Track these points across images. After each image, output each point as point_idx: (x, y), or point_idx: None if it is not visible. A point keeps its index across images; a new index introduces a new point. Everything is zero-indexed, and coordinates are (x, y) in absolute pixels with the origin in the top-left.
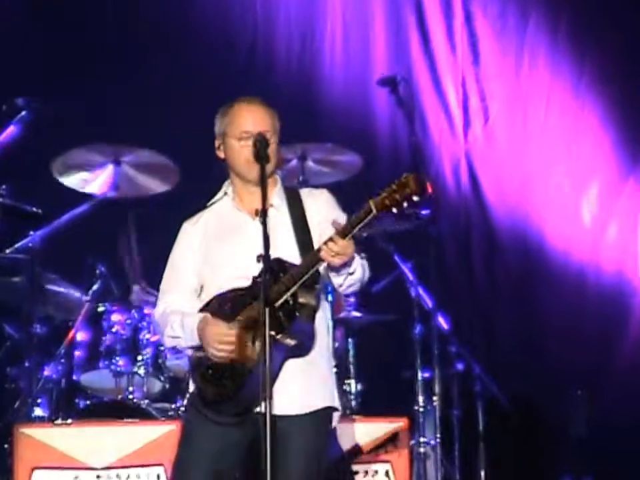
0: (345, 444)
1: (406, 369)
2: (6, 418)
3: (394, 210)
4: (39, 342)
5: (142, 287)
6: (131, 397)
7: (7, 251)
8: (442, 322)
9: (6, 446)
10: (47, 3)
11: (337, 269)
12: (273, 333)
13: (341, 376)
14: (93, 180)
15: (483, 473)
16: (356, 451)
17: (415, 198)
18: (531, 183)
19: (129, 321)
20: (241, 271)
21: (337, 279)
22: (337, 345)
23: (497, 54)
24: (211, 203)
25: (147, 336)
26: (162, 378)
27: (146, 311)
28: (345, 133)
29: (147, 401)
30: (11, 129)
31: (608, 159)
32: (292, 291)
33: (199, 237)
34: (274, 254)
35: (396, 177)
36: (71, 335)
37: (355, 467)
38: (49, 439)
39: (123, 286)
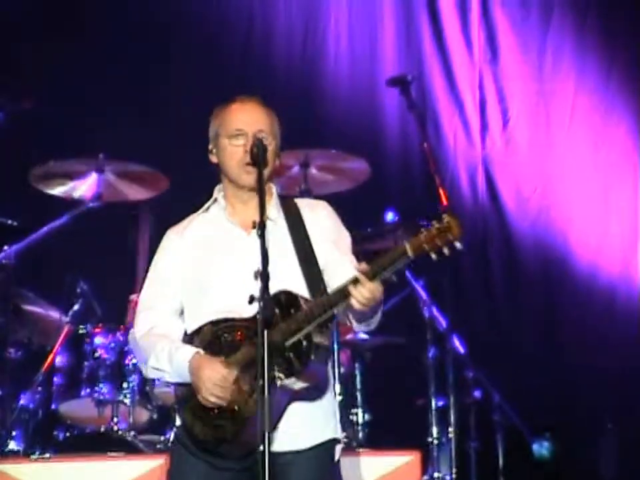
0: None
1: (418, 396)
2: None
3: (432, 255)
4: (14, 368)
5: None
6: (115, 428)
7: None
8: (458, 345)
9: None
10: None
11: (361, 313)
12: (281, 375)
13: (347, 404)
14: (75, 189)
15: None
16: None
17: (458, 244)
18: (553, 191)
19: (112, 345)
20: (232, 292)
21: (356, 323)
22: (342, 369)
23: (517, 51)
24: (200, 211)
25: (133, 361)
26: (149, 407)
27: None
28: (350, 137)
29: (132, 433)
30: None
31: (637, 166)
32: (306, 331)
33: (186, 250)
34: (273, 275)
35: (407, 187)
36: (49, 360)
37: None
38: (24, 476)
39: (107, 305)
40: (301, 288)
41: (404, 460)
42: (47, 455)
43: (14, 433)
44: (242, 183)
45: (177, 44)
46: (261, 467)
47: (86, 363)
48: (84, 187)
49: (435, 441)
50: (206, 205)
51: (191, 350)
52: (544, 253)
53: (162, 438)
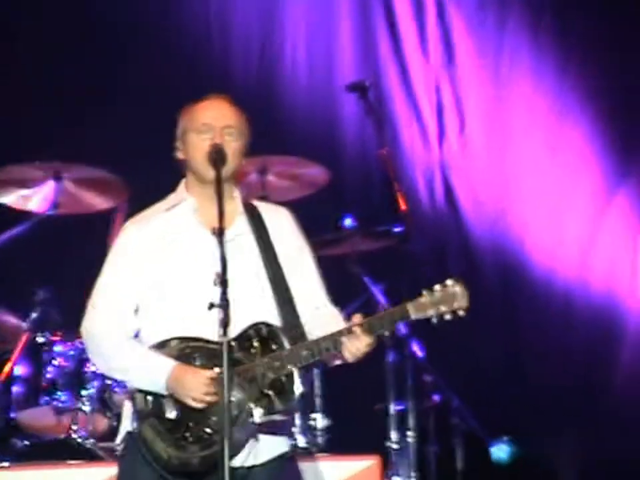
0: None
1: (377, 401)
2: None
3: (434, 320)
4: None
5: None
6: (74, 435)
7: None
8: (416, 349)
9: None
10: None
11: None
12: (259, 411)
13: (306, 410)
14: (31, 197)
15: None
16: None
17: (462, 313)
18: (511, 196)
19: (72, 352)
20: (192, 297)
21: (330, 361)
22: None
23: (473, 55)
24: (163, 205)
25: (92, 368)
26: (108, 414)
27: None
28: (309, 144)
29: (92, 440)
30: None
31: (595, 170)
32: (290, 371)
33: (146, 247)
34: (238, 281)
35: (365, 193)
36: (7, 368)
37: None
38: None
39: (66, 313)
40: (268, 298)
41: (364, 465)
42: (6, 464)
43: None
44: (208, 178)
45: (135, 49)
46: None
47: (45, 371)
48: (40, 195)
49: (395, 445)
50: (172, 202)
51: (167, 361)
52: (502, 257)
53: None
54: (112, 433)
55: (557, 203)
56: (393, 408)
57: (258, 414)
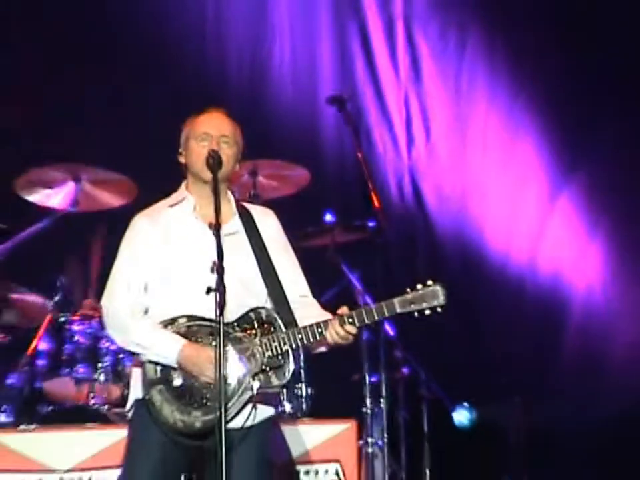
0: (296, 446)
1: (354, 373)
2: None
3: (415, 315)
4: (2, 351)
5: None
6: (91, 402)
7: None
8: (388, 329)
9: None
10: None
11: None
12: (258, 385)
13: (293, 380)
14: (54, 196)
15: (427, 472)
16: (306, 452)
17: (440, 310)
18: (470, 195)
19: (88, 331)
20: (192, 282)
21: (315, 346)
22: None
23: (437, 75)
24: (167, 202)
25: (106, 344)
26: (121, 384)
27: None
28: (293, 148)
29: (106, 407)
30: None
31: (542, 172)
32: (285, 350)
33: (155, 237)
34: (234, 273)
35: (343, 191)
36: (33, 344)
37: (305, 468)
38: (12, 444)
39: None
40: (260, 287)
41: (342, 427)
42: (32, 427)
43: (3, 408)
44: (205, 178)
45: (136, 62)
46: (219, 442)
47: (65, 347)
48: (61, 194)
49: (369, 411)
50: (175, 199)
51: (178, 339)
52: (462, 246)
53: None
54: (123, 400)
55: (510, 200)
56: (367, 379)
57: (256, 386)
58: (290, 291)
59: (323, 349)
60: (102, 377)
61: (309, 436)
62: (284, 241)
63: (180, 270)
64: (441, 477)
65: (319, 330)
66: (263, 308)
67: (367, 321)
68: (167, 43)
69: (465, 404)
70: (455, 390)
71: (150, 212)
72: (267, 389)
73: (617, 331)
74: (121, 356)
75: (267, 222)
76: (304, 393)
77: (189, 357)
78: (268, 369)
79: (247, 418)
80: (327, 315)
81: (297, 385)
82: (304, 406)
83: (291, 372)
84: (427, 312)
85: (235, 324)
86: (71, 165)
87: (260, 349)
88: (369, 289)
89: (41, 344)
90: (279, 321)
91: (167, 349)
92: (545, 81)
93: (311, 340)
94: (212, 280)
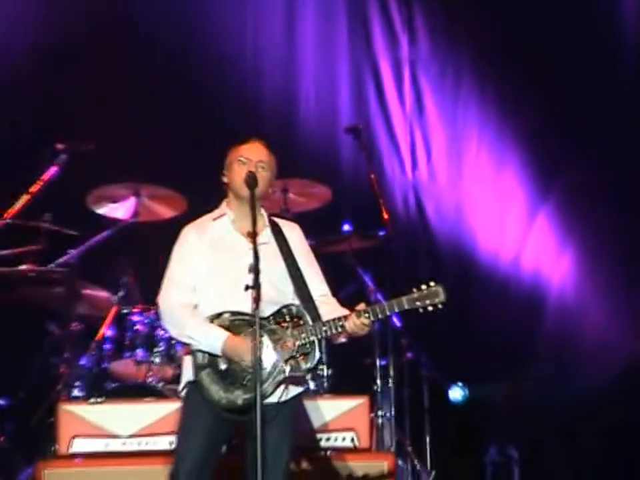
0: (319, 417)
1: (367, 357)
2: (51, 398)
3: (420, 310)
4: (76, 337)
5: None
6: (149, 380)
7: (51, 265)
8: (395, 320)
9: (51, 419)
10: (62, 54)
11: (346, 336)
12: (289, 368)
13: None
14: (118, 209)
15: (427, 439)
16: (327, 423)
17: (441, 307)
18: (464, 210)
19: (146, 321)
20: (232, 282)
21: (336, 337)
22: None
23: (437, 107)
24: (211, 217)
25: (161, 332)
26: (173, 365)
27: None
28: (318, 170)
29: (161, 384)
30: (53, 169)
31: (522, 195)
32: (312, 339)
33: (202, 246)
34: (266, 276)
35: (359, 206)
36: (101, 332)
37: (326, 435)
38: (85, 414)
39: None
40: (290, 290)
41: (357, 402)
42: (100, 400)
43: (77, 384)
44: (243, 195)
45: (185, 94)
46: (254, 416)
47: (127, 334)
48: (124, 207)
49: (379, 389)
50: (217, 214)
51: (222, 332)
52: (457, 251)
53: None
54: (175, 378)
55: (497, 214)
56: (378, 362)
57: (288, 370)
58: (313, 291)
59: (343, 339)
60: (157, 359)
61: (329, 409)
62: (307, 249)
63: (221, 272)
64: (438, 445)
65: (340, 323)
66: (293, 305)
67: (380, 315)
68: (213, 82)
69: (459, 383)
70: (450, 371)
71: (197, 224)
72: (297, 372)
73: (587, 319)
74: (173, 341)
75: (294, 233)
76: (325, 374)
77: (232, 347)
78: (298, 355)
79: (280, 396)
80: (346, 311)
81: (319, 367)
82: (325, 384)
83: (317, 358)
84: (430, 308)
85: (271, 318)
86: (132, 182)
87: (291, 339)
88: (379, 287)
89: (107, 331)
90: (307, 316)
91: (214, 341)
92: (525, 120)
93: (334, 331)
94: (249, 279)
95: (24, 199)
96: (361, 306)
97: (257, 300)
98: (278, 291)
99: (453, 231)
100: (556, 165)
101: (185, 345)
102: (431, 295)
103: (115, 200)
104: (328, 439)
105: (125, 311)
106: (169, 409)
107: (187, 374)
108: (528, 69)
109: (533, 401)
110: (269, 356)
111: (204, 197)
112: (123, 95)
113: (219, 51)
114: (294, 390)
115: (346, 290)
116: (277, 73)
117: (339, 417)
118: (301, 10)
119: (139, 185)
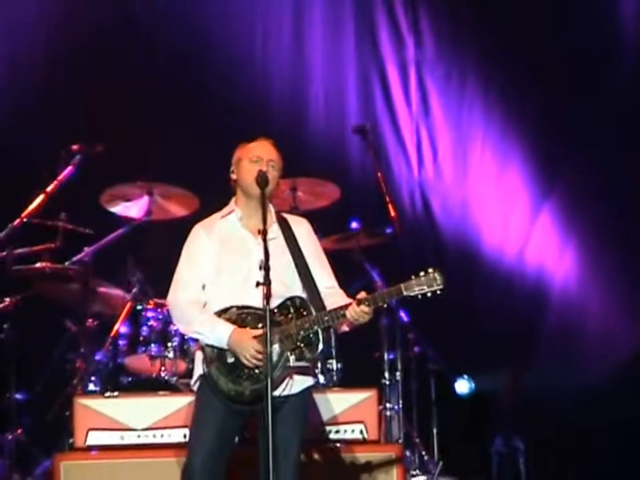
0: (328, 410)
1: (375, 351)
2: (67, 392)
3: (419, 296)
4: (91, 333)
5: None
6: (162, 374)
7: (67, 263)
8: (403, 315)
9: (67, 413)
10: (79, 62)
11: (348, 325)
12: (293, 357)
13: (325, 356)
14: (132, 207)
15: (435, 431)
16: (337, 415)
17: (439, 292)
18: (469, 207)
19: (160, 317)
20: (242, 279)
21: (338, 326)
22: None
23: (442, 108)
24: (220, 215)
25: (175, 328)
26: (186, 360)
27: None
28: (326, 169)
29: (175, 378)
30: (69, 169)
31: (526, 193)
32: (315, 329)
33: (211, 244)
34: (274, 270)
35: (366, 204)
36: (116, 327)
37: (336, 428)
38: (100, 407)
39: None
40: (297, 284)
41: (366, 395)
42: (115, 394)
43: (92, 379)
44: (253, 193)
45: (196, 96)
46: (265, 406)
47: (142, 330)
48: (138, 206)
49: (388, 382)
50: (225, 212)
51: (228, 325)
52: (462, 247)
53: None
54: (188, 373)
55: (502, 211)
56: (386, 356)
57: (292, 359)
58: (320, 283)
59: (345, 328)
60: (171, 354)
61: (338, 402)
62: (315, 243)
63: (231, 269)
64: (445, 436)
65: (341, 312)
66: (297, 297)
67: (379, 303)
68: (225, 84)
69: (465, 376)
70: (456, 364)
71: (205, 222)
72: (302, 361)
73: (588, 312)
74: (186, 337)
75: (302, 227)
76: (335, 368)
77: (236, 341)
78: (302, 345)
79: (285, 388)
80: (349, 301)
81: (329, 361)
82: (335, 378)
83: (320, 347)
84: (429, 294)
85: (276, 310)
86: (145, 182)
87: (295, 329)
88: (386, 283)
89: (122, 327)
90: (311, 307)
91: (220, 335)
92: (528, 121)
93: (335, 320)
94: (259, 276)
95: (40, 198)
96: (361, 294)
97: (267, 296)
98: (285, 286)
99: (459, 227)
100: (558, 164)
101: (196, 340)
102: (429, 281)
103: (128, 199)
104: (337, 431)
105: (139, 307)
106: (182, 402)
107: (199, 368)
108: (531, 71)
109: (536, 391)
110: (274, 347)
111: (215, 195)
112: (136, 96)
113: (229, 55)
114: (302, 381)
115: (354, 286)
116: (286, 76)
117: (348, 410)
118: (309, 13)
119: (151, 184)
